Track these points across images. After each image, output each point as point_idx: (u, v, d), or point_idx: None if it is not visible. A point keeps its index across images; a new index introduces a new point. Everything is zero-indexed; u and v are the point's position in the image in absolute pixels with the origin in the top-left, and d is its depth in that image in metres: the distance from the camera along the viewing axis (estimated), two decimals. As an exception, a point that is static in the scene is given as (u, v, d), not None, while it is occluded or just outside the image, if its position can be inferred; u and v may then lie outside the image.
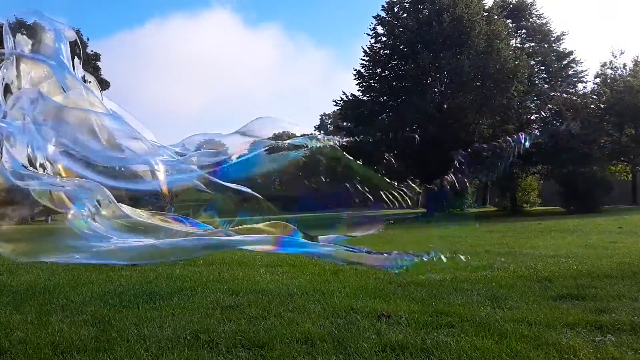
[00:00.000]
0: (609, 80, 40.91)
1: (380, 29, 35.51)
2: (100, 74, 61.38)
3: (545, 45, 38.85)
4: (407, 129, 32.77)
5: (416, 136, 28.79)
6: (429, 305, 4.50)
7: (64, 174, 3.19)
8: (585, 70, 39.27)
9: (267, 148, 3.62)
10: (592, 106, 37.88)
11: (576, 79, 39.04)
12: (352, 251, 3.19)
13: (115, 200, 3.03)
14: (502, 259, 10.67)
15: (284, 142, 3.71)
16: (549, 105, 37.11)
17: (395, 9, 35.23)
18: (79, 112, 3.22)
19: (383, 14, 35.46)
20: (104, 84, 61.34)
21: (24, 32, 3.32)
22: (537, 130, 38.28)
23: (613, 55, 56.64)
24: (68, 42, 3.53)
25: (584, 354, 3.11)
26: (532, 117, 37.88)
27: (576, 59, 38.65)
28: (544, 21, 39.54)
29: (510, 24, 37.38)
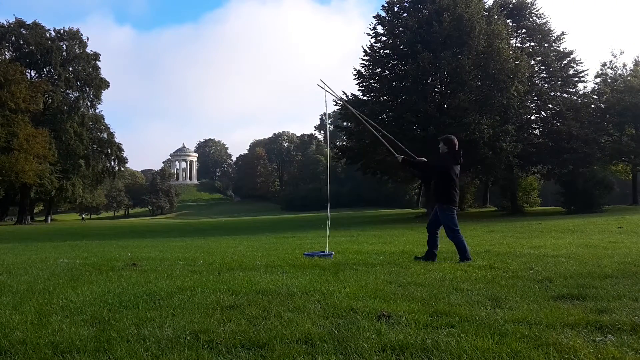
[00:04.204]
0: (609, 80, 40.95)
1: (380, 29, 35.51)
2: (100, 74, 61.29)
3: (546, 45, 38.87)
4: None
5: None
6: (429, 305, 4.49)
7: None
8: (586, 70, 39.36)
9: None
10: (592, 106, 37.89)
11: (576, 79, 39.05)
12: None
13: None
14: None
15: None
16: (549, 105, 37.12)
17: (396, 9, 35.24)
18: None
19: (383, 14, 35.47)
20: (103, 84, 61.25)
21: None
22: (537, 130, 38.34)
23: (613, 55, 56.89)
24: None
25: (584, 354, 3.11)
26: (532, 117, 37.88)
27: (576, 59, 38.70)
28: (544, 21, 39.62)
29: (510, 24, 37.40)
